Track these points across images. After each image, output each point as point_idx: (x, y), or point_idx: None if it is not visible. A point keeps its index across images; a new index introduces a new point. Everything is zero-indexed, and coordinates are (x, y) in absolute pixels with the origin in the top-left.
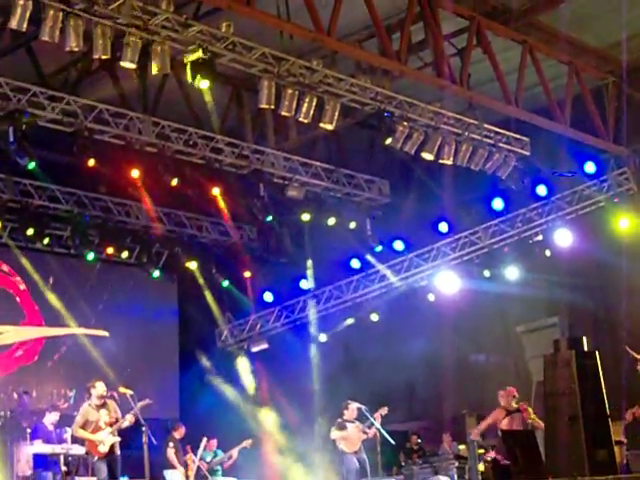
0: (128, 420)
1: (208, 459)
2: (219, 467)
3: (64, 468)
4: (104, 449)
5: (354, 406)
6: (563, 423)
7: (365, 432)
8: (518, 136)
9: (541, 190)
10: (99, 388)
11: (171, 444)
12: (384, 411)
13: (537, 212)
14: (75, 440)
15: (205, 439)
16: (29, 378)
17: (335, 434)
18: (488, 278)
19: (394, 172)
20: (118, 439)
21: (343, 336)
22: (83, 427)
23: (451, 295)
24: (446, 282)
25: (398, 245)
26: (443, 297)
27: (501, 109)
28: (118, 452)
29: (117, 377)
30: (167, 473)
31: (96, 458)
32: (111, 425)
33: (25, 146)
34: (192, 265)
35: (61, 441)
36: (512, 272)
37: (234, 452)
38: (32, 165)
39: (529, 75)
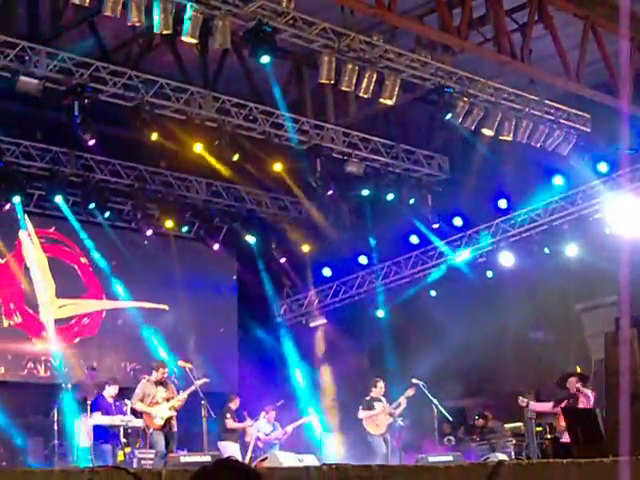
0: (183, 397)
1: (267, 431)
2: (277, 441)
3: (123, 440)
4: (160, 422)
5: (381, 385)
6: (624, 401)
7: (392, 414)
8: (579, 112)
9: (602, 167)
10: (160, 372)
11: (228, 415)
12: (411, 392)
13: (598, 189)
14: (134, 413)
15: (264, 411)
16: (90, 350)
17: (363, 414)
18: (547, 255)
19: (454, 148)
20: (174, 414)
21: (401, 312)
22: (141, 400)
23: (510, 272)
24: (505, 259)
25: (457, 221)
26: (502, 274)
27: (562, 85)
28: (175, 428)
29: (176, 350)
30: (222, 445)
31: (152, 430)
32: (168, 400)
33: (87, 121)
34: (251, 239)
35: (120, 413)
36: (572, 249)
37: (289, 428)
38: (95, 139)
39: (591, 51)
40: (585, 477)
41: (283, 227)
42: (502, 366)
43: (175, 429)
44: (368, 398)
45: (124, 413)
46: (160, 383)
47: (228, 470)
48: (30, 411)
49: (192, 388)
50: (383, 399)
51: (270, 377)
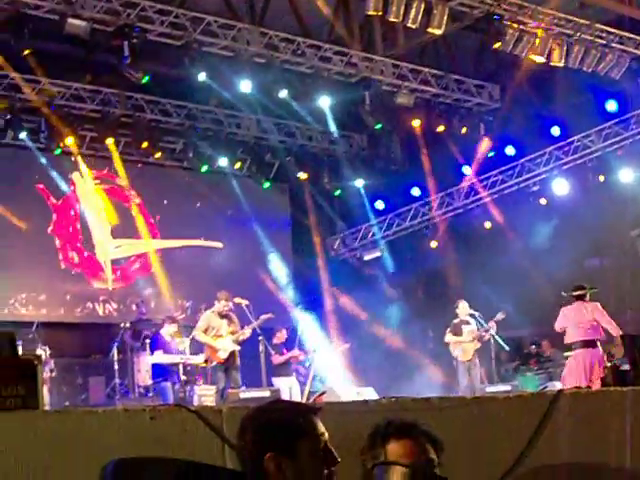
0: (248, 332)
1: (307, 364)
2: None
3: (183, 377)
4: (224, 355)
5: (464, 304)
6: None
7: (480, 339)
8: (632, 35)
9: None
10: (224, 304)
11: (273, 351)
12: (501, 316)
13: None
14: (193, 351)
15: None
16: (146, 289)
17: (450, 337)
18: (602, 182)
19: (505, 76)
20: (238, 348)
21: (456, 242)
22: (205, 332)
23: (564, 199)
24: (559, 187)
25: (510, 150)
26: (556, 201)
27: (614, 7)
28: (238, 362)
29: (232, 288)
30: (275, 381)
31: (215, 363)
32: (232, 334)
33: (137, 61)
34: (303, 175)
35: (179, 352)
36: (626, 175)
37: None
38: (145, 79)
39: None
40: None
41: (335, 161)
42: (558, 294)
43: (238, 361)
44: (456, 321)
45: (183, 352)
46: (224, 316)
47: (281, 409)
48: (91, 350)
49: (257, 322)
50: (472, 320)
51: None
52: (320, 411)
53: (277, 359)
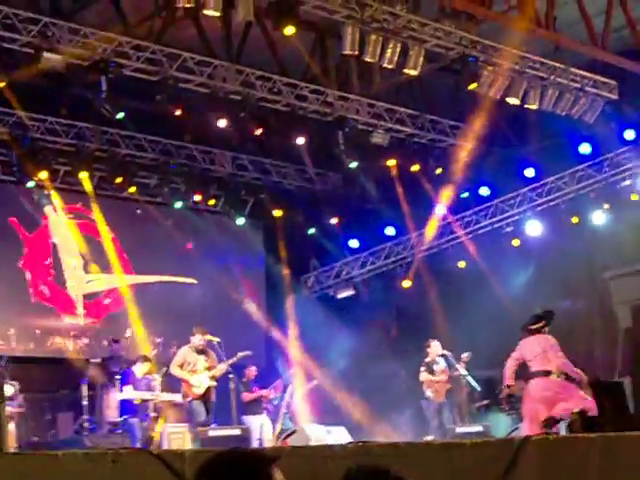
0: (224, 368)
1: (275, 402)
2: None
3: (153, 414)
4: (200, 391)
5: (436, 343)
6: None
7: (450, 379)
8: (605, 79)
9: (629, 134)
10: (199, 338)
11: (242, 388)
12: (467, 357)
13: (625, 156)
14: (164, 388)
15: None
16: (118, 325)
17: (425, 376)
18: (575, 224)
19: (480, 117)
20: (214, 384)
21: (430, 281)
22: (180, 367)
23: (537, 241)
24: (532, 228)
25: (484, 191)
26: (529, 242)
27: (588, 52)
28: (214, 398)
29: (205, 324)
30: (245, 419)
31: (191, 399)
32: (209, 369)
33: (113, 96)
34: (278, 212)
35: (150, 389)
36: (599, 217)
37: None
38: (121, 115)
39: (616, 17)
40: (613, 451)
41: (310, 199)
42: None
43: (214, 399)
44: (428, 360)
45: (152, 389)
46: (201, 351)
47: (238, 458)
48: (60, 386)
49: (234, 359)
50: (441, 361)
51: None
52: (278, 460)
53: (247, 397)
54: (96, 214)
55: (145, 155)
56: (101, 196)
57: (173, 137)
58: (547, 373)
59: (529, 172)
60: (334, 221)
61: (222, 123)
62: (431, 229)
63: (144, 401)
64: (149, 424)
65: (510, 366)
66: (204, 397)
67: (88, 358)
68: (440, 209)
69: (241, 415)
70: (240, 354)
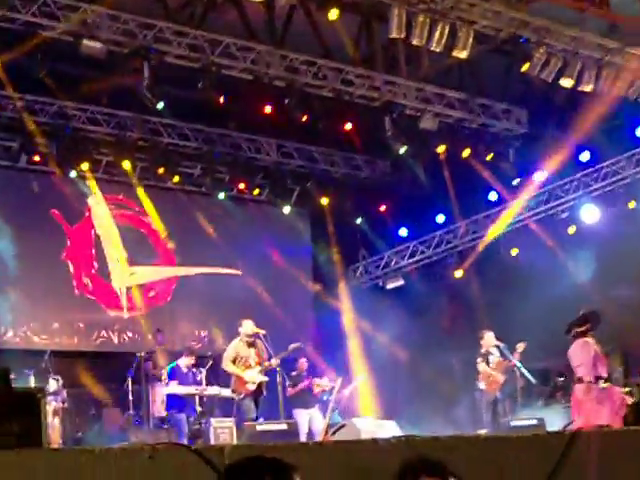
0: (276, 362)
1: (325, 397)
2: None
3: (199, 409)
4: (252, 387)
5: (489, 334)
6: None
7: (506, 371)
8: None
9: None
10: (246, 326)
11: (288, 382)
12: (522, 347)
13: None
14: (210, 381)
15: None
16: (162, 318)
17: (483, 367)
18: (632, 209)
19: (532, 100)
20: (266, 379)
21: (480, 272)
22: (233, 362)
23: (593, 227)
24: (588, 214)
25: (538, 176)
26: (585, 229)
27: None
28: (264, 392)
29: (250, 317)
30: (294, 412)
31: (243, 396)
32: (260, 364)
33: (154, 83)
34: (324, 201)
35: (196, 383)
36: None
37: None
38: (161, 105)
39: None
40: None
41: (358, 187)
42: None
43: (264, 395)
44: (483, 351)
45: (199, 383)
46: (252, 344)
47: (259, 466)
48: (105, 380)
49: (286, 352)
50: (495, 352)
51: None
52: (298, 470)
53: (291, 391)
54: (139, 205)
55: (188, 144)
56: (144, 186)
57: (216, 125)
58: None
59: (584, 156)
60: (382, 209)
61: (267, 110)
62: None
63: (190, 395)
64: (196, 419)
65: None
66: (255, 393)
67: (133, 352)
68: (493, 196)
69: (290, 409)
70: (291, 346)
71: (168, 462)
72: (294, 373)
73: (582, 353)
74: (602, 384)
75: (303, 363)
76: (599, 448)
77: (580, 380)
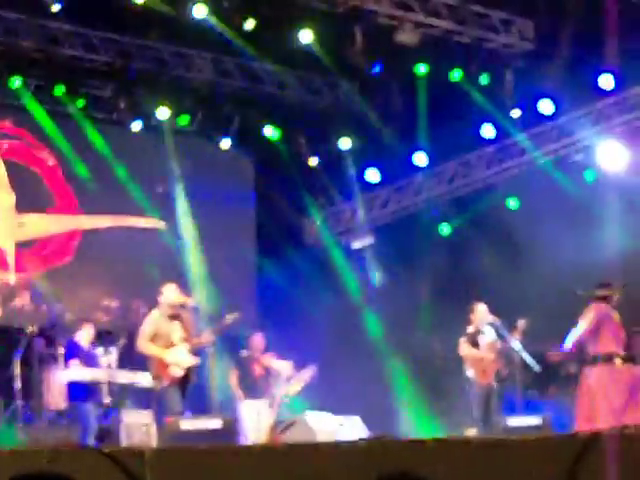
0: (209, 338)
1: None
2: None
3: (106, 400)
4: (178, 372)
5: (482, 307)
6: None
7: (502, 356)
8: None
9: None
10: (169, 293)
11: (233, 368)
12: (523, 325)
13: None
14: (123, 365)
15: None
16: (61, 284)
17: (468, 350)
18: None
19: (540, 9)
20: (197, 361)
21: (471, 227)
22: (152, 340)
23: (616, 173)
24: (610, 155)
25: (545, 106)
26: (605, 176)
27: None
28: (194, 380)
29: (177, 282)
30: (242, 405)
31: (167, 384)
32: (186, 341)
33: None
34: (273, 134)
35: (104, 365)
36: None
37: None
38: (56, 7)
39: None
40: None
41: (314, 116)
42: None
43: (194, 382)
44: (471, 329)
45: (108, 365)
46: (175, 317)
47: None
48: None
49: (220, 325)
50: (489, 330)
51: (298, 312)
52: None
53: (233, 378)
54: (32, 135)
55: (96, 57)
56: (38, 110)
57: (133, 34)
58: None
59: (606, 81)
60: (346, 145)
61: (199, 14)
62: None
63: (97, 382)
64: (104, 412)
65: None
66: (182, 380)
67: (22, 326)
68: (488, 130)
69: (233, 401)
70: (228, 317)
71: (72, 468)
72: (244, 353)
73: (583, 319)
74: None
75: (258, 340)
76: (624, 455)
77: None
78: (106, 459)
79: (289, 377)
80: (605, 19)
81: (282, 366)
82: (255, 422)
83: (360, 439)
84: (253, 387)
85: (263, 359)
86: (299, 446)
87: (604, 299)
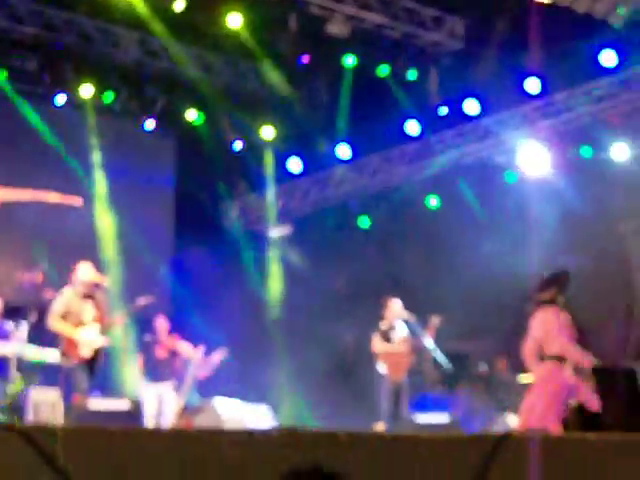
0: (120, 320)
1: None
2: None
3: (17, 374)
4: (87, 352)
5: (396, 302)
6: None
7: (414, 352)
8: None
9: None
10: (83, 271)
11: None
12: (436, 322)
13: None
14: (32, 341)
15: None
16: None
17: (381, 346)
18: (587, 156)
19: (472, 8)
20: (106, 343)
21: (391, 222)
22: (63, 318)
23: (537, 177)
24: (532, 159)
25: (471, 106)
26: (527, 179)
27: None
28: (102, 360)
29: (92, 261)
30: (143, 388)
31: (75, 363)
32: (99, 322)
33: None
34: (195, 116)
35: (12, 339)
36: (620, 151)
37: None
38: None
39: None
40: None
41: (239, 102)
42: (522, 300)
43: (102, 362)
44: (385, 326)
45: (17, 340)
46: (88, 296)
47: None
48: None
49: (132, 307)
50: (401, 326)
51: (211, 302)
52: None
53: (139, 360)
54: None
55: (23, 29)
56: None
57: (61, 8)
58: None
59: (532, 85)
60: (269, 133)
61: None
62: None
63: (4, 357)
64: (11, 388)
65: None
66: (91, 360)
67: None
68: (412, 126)
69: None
70: (141, 300)
71: None
72: (148, 337)
73: (552, 322)
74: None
75: (162, 323)
76: (536, 457)
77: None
78: (17, 436)
79: (198, 361)
80: (533, 23)
81: (186, 348)
82: (156, 405)
83: (271, 429)
84: (157, 370)
85: (167, 342)
86: (210, 432)
87: (551, 301)
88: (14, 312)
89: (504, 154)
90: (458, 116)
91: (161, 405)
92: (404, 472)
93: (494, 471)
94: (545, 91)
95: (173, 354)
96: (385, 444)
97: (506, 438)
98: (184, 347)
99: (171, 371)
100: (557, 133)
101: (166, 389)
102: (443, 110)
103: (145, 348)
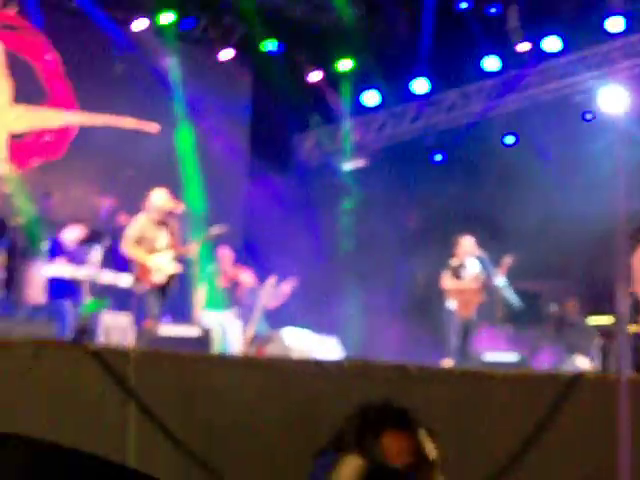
0: (194, 248)
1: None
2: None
3: (89, 297)
4: (160, 278)
5: (469, 240)
6: None
7: (486, 290)
8: None
9: None
10: (158, 198)
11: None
12: (509, 261)
13: None
14: (106, 265)
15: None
16: (52, 179)
17: (451, 283)
18: None
19: None
20: (179, 270)
21: (467, 158)
22: (138, 244)
23: (619, 118)
24: (612, 99)
25: (551, 43)
26: (607, 120)
27: None
28: (174, 287)
29: (167, 185)
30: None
31: (147, 288)
32: (172, 249)
33: None
34: (273, 47)
35: (87, 263)
36: None
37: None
38: None
39: None
40: None
41: (317, 33)
42: (596, 238)
43: (173, 289)
44: (455, 263)
45: (92, 264)
46: (162, 223)
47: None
48: None
49: (206, 236)
50: (473, 264)
51: (282, 233)
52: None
53: (200, 291)
54: (34, 27)
55: None
56: (43, 4)
57: None
58: None
59: (615, 23)
60: (347, 65)
61: None
62: None
63: (79, 280)
64: (84, 310)
65: None
66: (164, 286)
67: (8, 217)
68: (491, 63)
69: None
70: (214, 229)
71: (56, 364)
72: (211, 266)
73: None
74: None
75: (225, 253)
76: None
77: None
78: (91, 357)
79: (268, 290)
80: None
81: (249, 278)
82: (220, 334)
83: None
84: (219, 299)
85: (230, 271)
86: (281, 360)
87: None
88: (89, 237)
89: (583, 93)
90: (538, 54)
91: (225, 334)
92: (473, 408)
93: (566, 410)
94: (629, 29)
95: (235, 284)
96: (454, 379)
97: (579, 379)
98: (247, 277)
99: (234, 300)
100: (637, 74)
101: (228, 318)
102: (523, 47)
103: (208, 277)
